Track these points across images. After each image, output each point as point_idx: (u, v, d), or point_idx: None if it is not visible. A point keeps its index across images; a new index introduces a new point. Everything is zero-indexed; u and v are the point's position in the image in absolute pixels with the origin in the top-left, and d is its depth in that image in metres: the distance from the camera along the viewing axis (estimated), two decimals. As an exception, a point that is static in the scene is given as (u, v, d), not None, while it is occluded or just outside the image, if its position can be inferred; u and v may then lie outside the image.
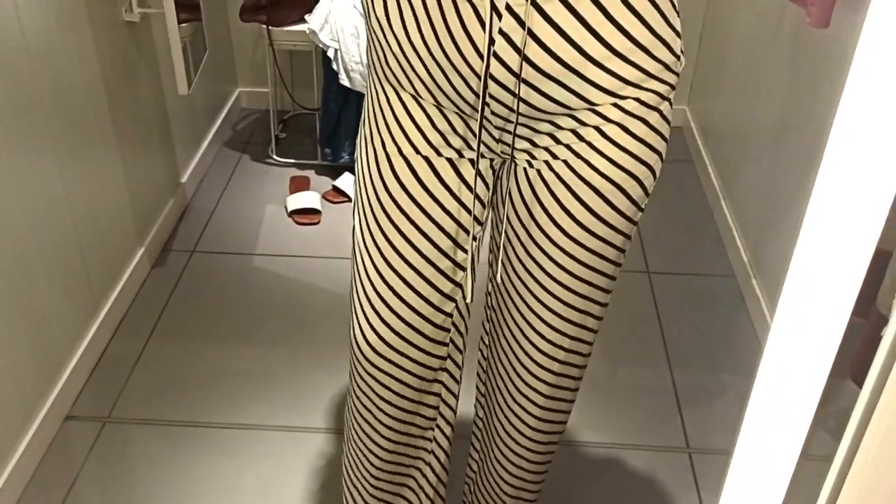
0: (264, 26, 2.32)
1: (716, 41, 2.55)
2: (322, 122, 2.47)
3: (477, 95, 0.85)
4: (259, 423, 1.68)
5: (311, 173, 2.52)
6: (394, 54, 0.88)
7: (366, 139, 0.97)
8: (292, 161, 2.57)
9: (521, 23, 0.79)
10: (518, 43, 0.80)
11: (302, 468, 1.59)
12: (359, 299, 1.02)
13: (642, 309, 2.05)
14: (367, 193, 0.98)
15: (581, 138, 0.88)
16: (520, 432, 1.13)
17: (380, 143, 0.95)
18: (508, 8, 0.78)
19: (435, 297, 1.00)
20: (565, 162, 0.90)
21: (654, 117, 0.89)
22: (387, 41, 0.88)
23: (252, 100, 2.85)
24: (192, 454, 1.61)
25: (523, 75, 0.82)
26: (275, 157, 2.60)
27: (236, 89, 2.84)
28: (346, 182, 2.41)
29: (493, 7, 0.79)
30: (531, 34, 0.80)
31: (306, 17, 2.28)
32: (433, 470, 1.18)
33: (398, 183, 0.95)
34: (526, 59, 0.81)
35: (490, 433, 1.20)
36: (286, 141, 2.68)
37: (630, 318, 2.02)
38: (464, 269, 1.00)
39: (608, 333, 1.95)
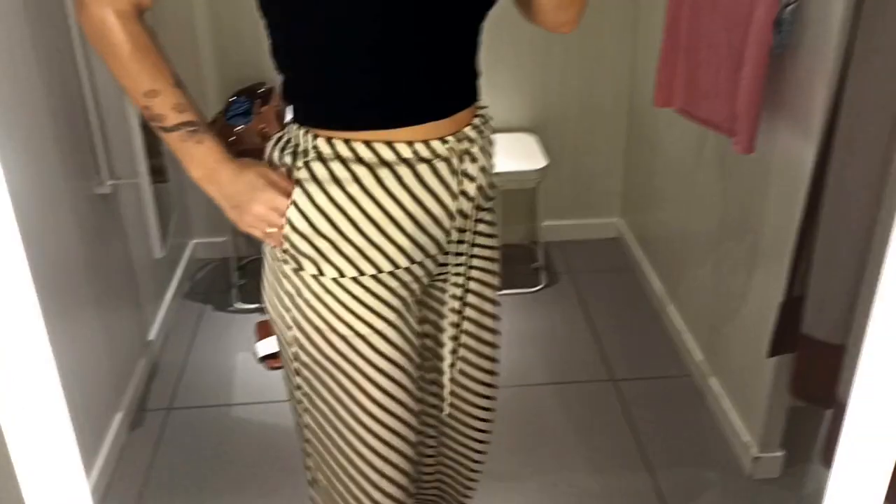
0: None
1: (642, 157, 2.78)
2: (284, 267, 2.55)
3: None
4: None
5: (275, 317, 2.57)
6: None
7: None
8: (256, 306, 2.64)
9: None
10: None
11: None
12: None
13: (612, 416, 2.15)
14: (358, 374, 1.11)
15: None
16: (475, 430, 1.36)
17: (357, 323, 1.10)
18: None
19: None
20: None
21: None
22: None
23: (207, 251, 2.92)
24: None
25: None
26: (238, 304, 2.66)
27: (191, 241, 2.90)
28: (312, 323, 2.47)
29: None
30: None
31: (263, 170, 2.39)
32: None
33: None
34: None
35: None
36: (247, 287, 2.74)
37: (603, 426, 2.11)
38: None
39: (586, 444, 2.05)
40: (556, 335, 2.51)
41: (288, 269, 1.08)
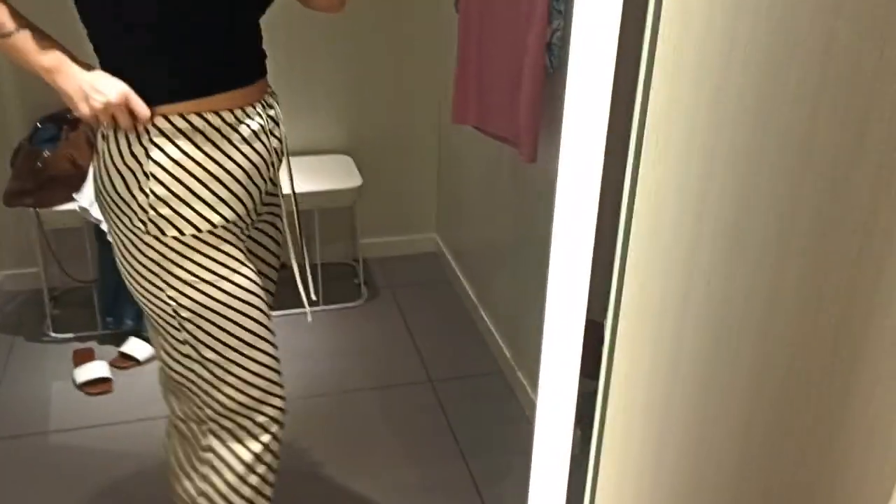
0: (31, 209, 2.38)
1: (452, 175, 2.98)
2: (101, 293, 2.53)
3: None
4: None
5: (93, 344, 2.54)
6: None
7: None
8: (72, 335, 2.58)
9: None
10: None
11: None
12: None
13: (431, 414, 2.30)
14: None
15: None
16: None
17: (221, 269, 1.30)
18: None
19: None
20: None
21: None
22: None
23: (16, 282, 2.82)
24: None
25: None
26: (52, 333, 2.59)
27: (-2, 273, 2.80)
28: (133, 347, 2.46)
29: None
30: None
31: (75, 195, 2.37)
32: None
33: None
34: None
35: None
36: (61, 316, 2.68)
37: (422, 424, 2.25)
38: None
39: (407, 441, 2.18)
40: (377, 345, 2.63)
41: (150, 238, 1.24)
